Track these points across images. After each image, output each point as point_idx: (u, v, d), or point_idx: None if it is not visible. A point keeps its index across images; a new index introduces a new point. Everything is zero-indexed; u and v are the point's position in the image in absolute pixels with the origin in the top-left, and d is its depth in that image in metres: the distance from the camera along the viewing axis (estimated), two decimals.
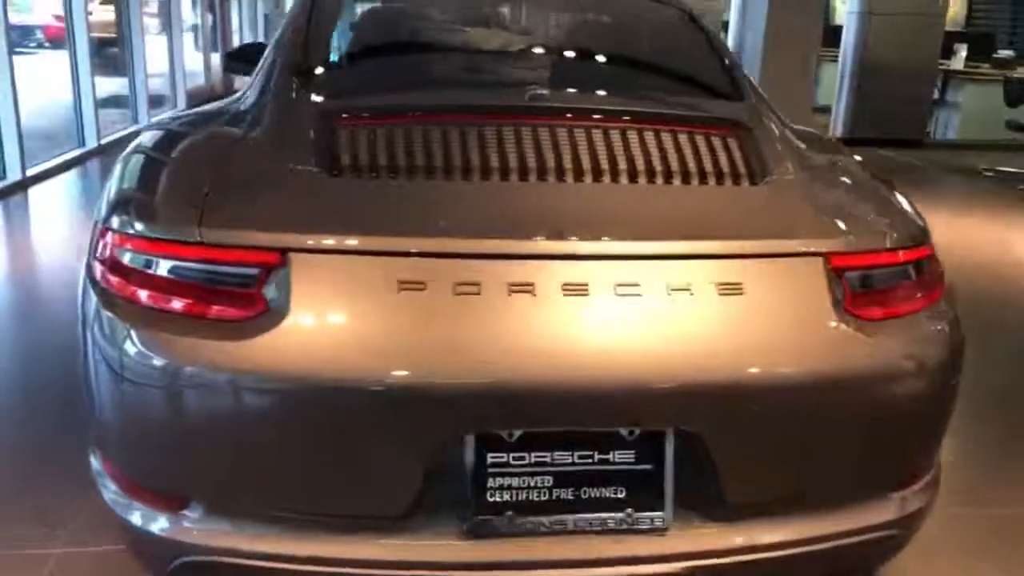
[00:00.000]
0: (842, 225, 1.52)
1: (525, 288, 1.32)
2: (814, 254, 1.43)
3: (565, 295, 1.33)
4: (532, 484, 1.36)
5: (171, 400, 1.36)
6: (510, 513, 1.36)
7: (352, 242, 1.36)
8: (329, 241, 1.36)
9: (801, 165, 1.70)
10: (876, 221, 1.57)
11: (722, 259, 1.39)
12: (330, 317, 1.32)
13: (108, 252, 1.45)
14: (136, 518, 1.44)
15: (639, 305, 1.34)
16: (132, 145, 1.82)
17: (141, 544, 1.49)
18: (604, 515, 1.37)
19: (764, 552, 1.41)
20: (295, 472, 1.34)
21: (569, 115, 1.66)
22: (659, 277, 1.36)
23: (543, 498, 1.36)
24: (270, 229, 1.37)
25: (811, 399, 1.38)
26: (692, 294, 1.35)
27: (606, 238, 1.39)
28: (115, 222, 1.46)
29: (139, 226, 1.42)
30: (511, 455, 1.35)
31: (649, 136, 1.61)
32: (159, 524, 1.42)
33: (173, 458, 1.39)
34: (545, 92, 1.82)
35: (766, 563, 1.42)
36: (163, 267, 1.39)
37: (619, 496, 1.38)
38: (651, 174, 1.54)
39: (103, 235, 1.49)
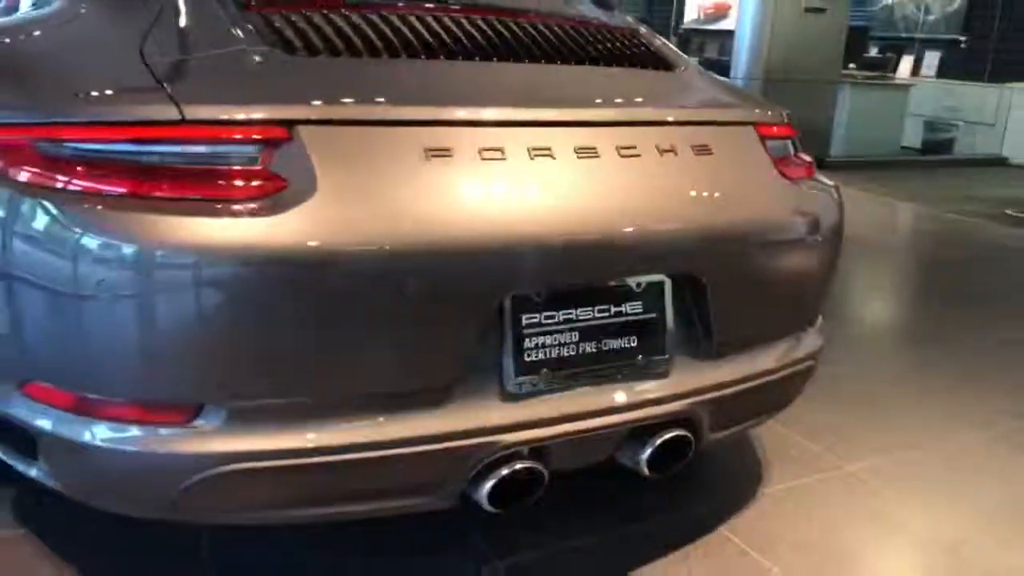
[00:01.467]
0: (751, 103, 1.79)
1: (544, 152, 1.38)
2: (750, 123, 1.66)
3: (578, 157, 1.40)
4: (562, 341, 1.41)
5: (187, 298, 1.20)
6: (546, 371, 1.40)
7: (374, 112, 1.31)
8: (345, 112, 1.30)
9: (690, 63, 1.94)
10: (765, 105, 1.84)
11: (696, 125, 1.57)
12: (362, 187, 1.26)
13: (72, 150, 1.25)
14: (130, 443, 1.25)
15: (636, 165, 1.46)
16: None
17: (137, 474, 1.28)
18: (621, 363, 1.47)
19: (744, 383, 1.60)
20: (334, 353, 1.26)
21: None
22: (650, 140, 1.49)
23: (572, 353, 1.42)
24: (271, 102, 1.28)
25: (771, 243, 1.59)
26: (676, 155, 1.51)
27: (607, 108, 1.51)
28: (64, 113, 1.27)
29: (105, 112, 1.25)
30: (542, 315, 1.39)
31: (575, 28, 1.75)
32: (167, 441, 1.25)
33: (188, 362, 1.23)
34: None
35: (746, 393, 1.61)
36: (151, 152, 1.23)
37: (632, 345, 1.48)
38: (600, 59, 1.68)
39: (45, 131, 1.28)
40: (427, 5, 1.65)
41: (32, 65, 1.49)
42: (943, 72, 9.41)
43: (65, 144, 1.28)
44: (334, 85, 1.36)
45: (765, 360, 1.65)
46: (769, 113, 1.74)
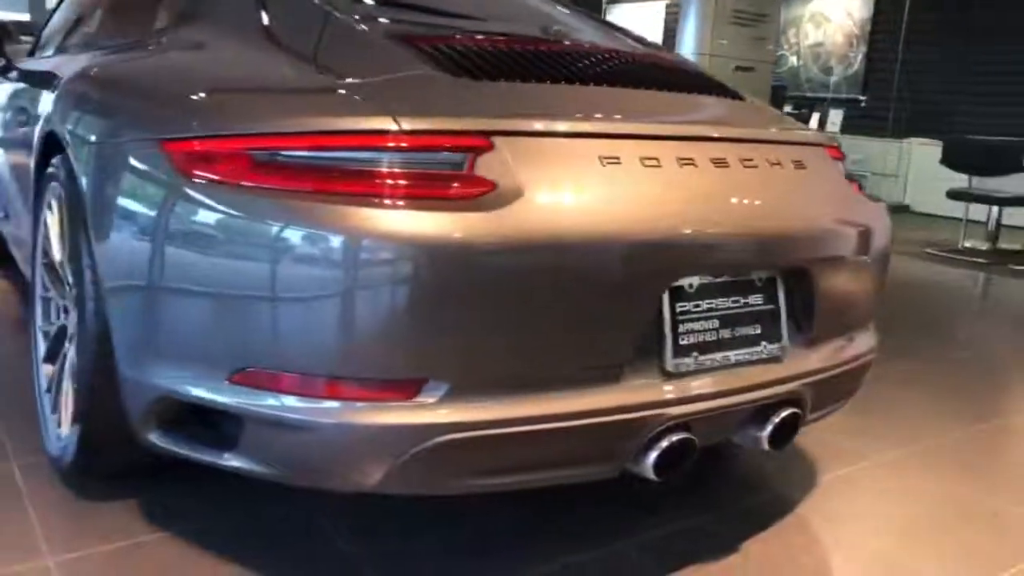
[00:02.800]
0: (813, 128, 2.08)
1: (689, 161, 1.60)
2: (823, 145, 1.94)
3: (715, 167, 1.63)
4: (707, 327, 1.61)
5: (416, 285, 1.34)
6: (695, 353, 1.59)
7: (557, 125, 1.50)
8: (534, 125, 1.48)
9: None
10: (815, 130, 2.13)
11: (791, 144, 1.82)
12: (556, 189, 1.44)
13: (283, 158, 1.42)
14: (354, 420, 1.37)
15: (756, 176, 1.69)
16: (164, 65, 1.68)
17: (355, 449, 1.39)
18: (749, 349, 1.68)
19: (836, 369, 1.83)
20: (536, 333, 1.42)
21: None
22: (763, 155, 1.73)
23: (713, 338, 1.62)
24: (470, 116, 1.45)
25: (857, 246, 1.85)
26: (782, 168, 1.75)
27: (732, 127, 1.75)
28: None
29: (325, 124, 1.41)
30: (692, 303, 1.59)
31: (678, 67, 2.03)
32: (391, 415, 1.37)
33: (418, 342, 1.36)
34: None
35: (836, 379, 1.84)
36: (371, 159, 1.39)
37: (756, 332, 1.69)
38: (703, 90, 1.95)
39: (260, 142, 1.43)
40: (565, 43, 1.89)
41: (234, 85, 1.63)
42: (846, 128, 10.28)
43: (282, 152, 1.41)
44: (516, 103, 1.55)
45: (848, 350, 1.89)
46: (831, 139, 2.02)
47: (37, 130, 2.15)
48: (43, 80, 2.42)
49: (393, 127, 1.40)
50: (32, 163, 2.23)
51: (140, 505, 1.81)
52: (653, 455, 1.54)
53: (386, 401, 1.38)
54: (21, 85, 2.82)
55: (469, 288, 1.36)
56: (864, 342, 1.98)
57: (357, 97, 1.48)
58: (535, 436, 1.44)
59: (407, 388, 1.38)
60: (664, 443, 1.55)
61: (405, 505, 1.87)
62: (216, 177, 1.45)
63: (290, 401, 1.40)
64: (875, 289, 2.01)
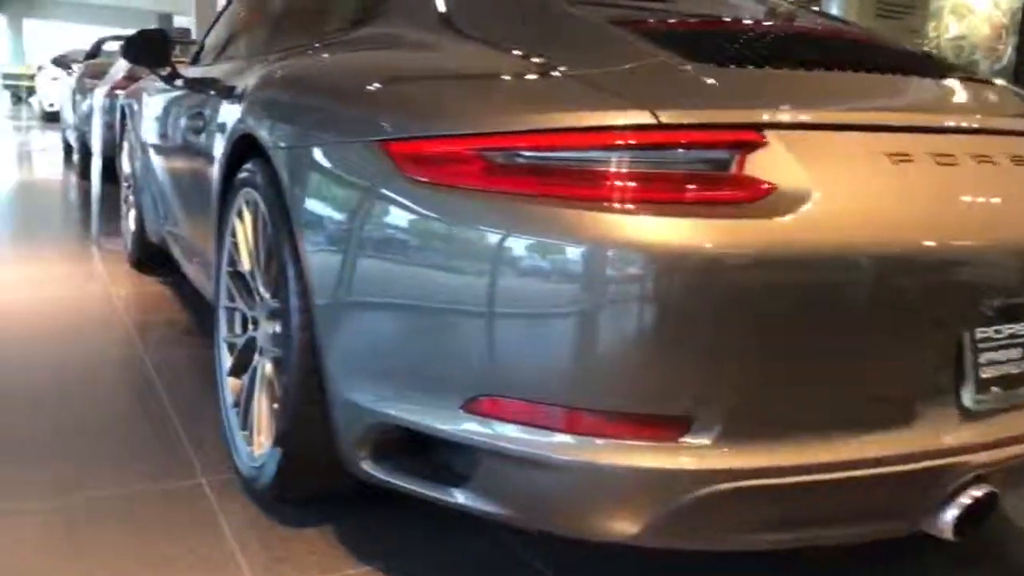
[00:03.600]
0: None
1: (986, 159, 1.35)
2: None
3: (1015, 165, 1.38)
4: (1010, 357, 1.36)
5: (682, 304, 1.16)
6: (997, 388, 1.34)
7: (840, 117, 1.29)
8: (812, 117, 1.28)
9: None
10: None
11: None
12: (847, 191, 1.23)
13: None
14: (607, 460, 1.19)
15: None
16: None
17: (607, 494, 1.22)
18: None
19: None
20: (825, 364, 1.21)
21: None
22: None
23: (1017, 371, 1.37)
24: (735, 107, 1.26)
25: None
26: None
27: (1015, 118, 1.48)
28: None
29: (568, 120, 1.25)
30: (992, 328, 1.34)
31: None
32: (650, 457, 1.19)
33: (686, 372, 1.17)
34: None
35: None
36: (627, 159, 1.21)
37: None
38: (953, 75, 1.66)
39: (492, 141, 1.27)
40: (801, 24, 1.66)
41: (455, 81, 1.49)
42: None
43: (523, 153, 1.26)
44: (781, 91, 1.34)
45: None
46: None
47: (224, 136, 2.08)
48: (221, 86, 2.37)
49: (650, 121, 1.22)
50: (216, 169, 2.16)
51: (339, 533, 1.69)
52: (954, 511, 1.30)
53: (649, 440, 1.20)
54: (192, 92, 2.80)
55: (747, 310, 1.17)
56: None
57: (601, 89, 1.31)
58: (819, 487, 1.23)
59: (674, 426, 1.20)
60: (966, 497, 1.30)
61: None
62: (446, 181, 1.31)
63: (538, 436, 1.23)
64: None
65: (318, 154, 1.55)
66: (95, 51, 7.99)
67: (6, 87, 21.32)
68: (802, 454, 1.21)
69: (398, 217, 1.36)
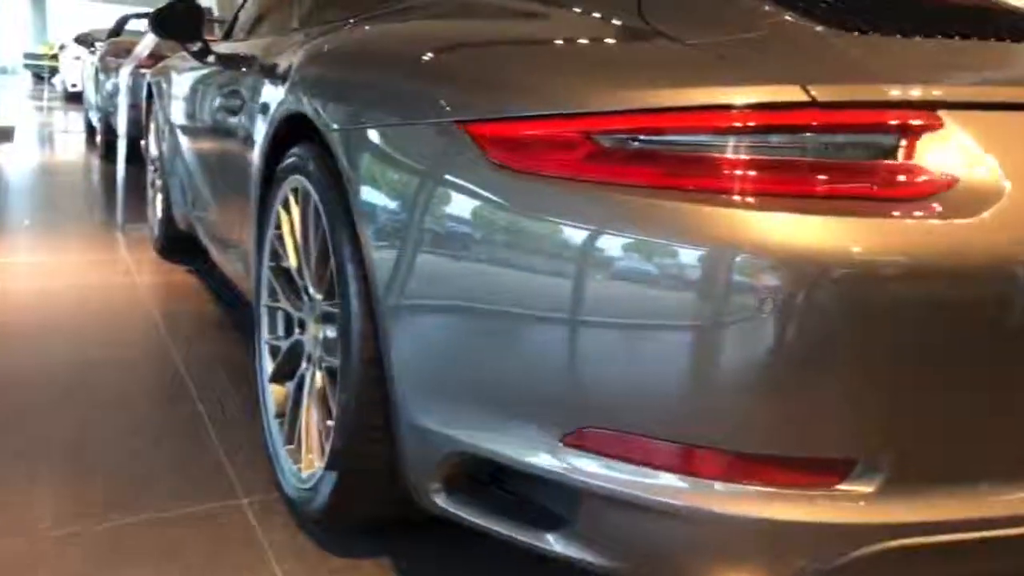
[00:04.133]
0: None
1: None
2: None
3: None
4: None
5: (843, 324, 0.94)
6: None
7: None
8: (1001, 95, 1.06)
9: None
10: None
11: None
12: None
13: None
14: (748, 505, 0.98)
15: None
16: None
17: (742, 547, 1.01)
18: None
19: None
20: (1018, 396, 0.99)
21: None
22: None
23: None
24: (912, 81, 1.03)
25: None
26: None
27: None
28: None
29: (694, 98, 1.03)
30: None
31: None
32: (806, 507, 0.98)
33: (844, 405, 0.96)
34: None
35: None
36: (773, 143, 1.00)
37: None
38: None
39: (600, 122, 1.06)
40: None
41: (551, 52, 1.27)
42: None
43: (641, 136, 1.04)
44: (951, 65, 1.12)
45: None
46: None
47: (266, 117, 1.88)
48: (261, 62, 2.16)
49: (803, 98, 1.00)
50: (256, 154, 1.96)
51: (399, 566, 1.49)
52: None
53: (797, 488, 0.99)
54: (226, 69, 2.59)
55: (924, 329, 0.95)
56: None
57: (735, 61, 1.09)
58: (997, 544, 1.01)
59: (829, 471, 0.98)
60: None
61: None
62: (543, 170, 1.10)
63: (656, 478, 1.03)
64: None
65: (385, 136, 1.34)
66: (119, 29, 7.80)
67: (27, 67, 21.23)
68: (985, 504, 1.00)
69: (482, 211, 1.15)
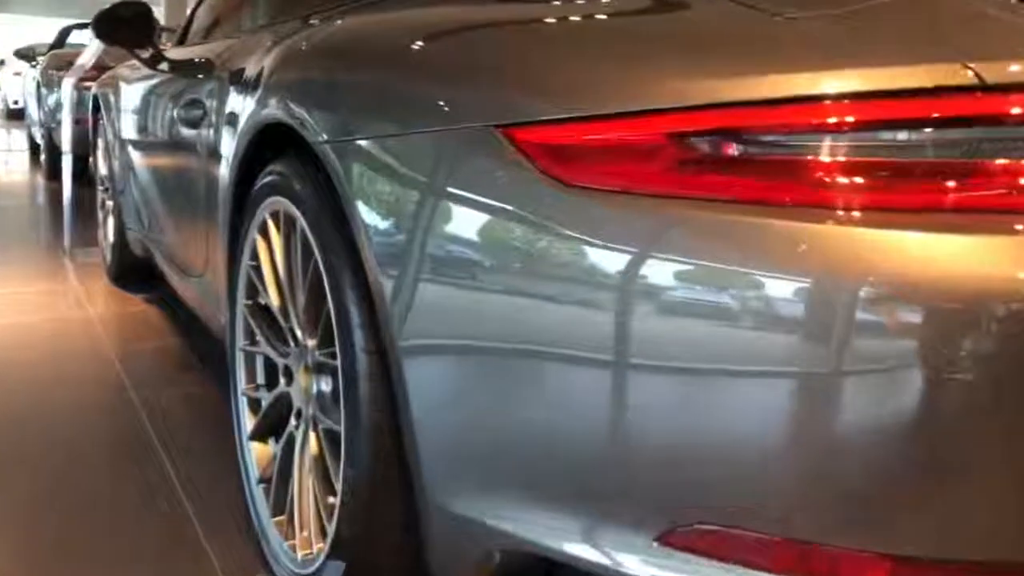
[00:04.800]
0: None
1: None
2: None
3: None
4: None
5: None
6: None
7: None
8: None
9: None
10: None
11: None
12: None
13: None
14: None
15: None
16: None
17: None
18: None
19: None
20: None
21: None
22: None
23: None
24: None
25: None
26: None
27: None
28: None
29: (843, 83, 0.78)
30: None
31: None
32: None
33: None
34: None
35: None
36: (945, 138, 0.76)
37: None
38: None
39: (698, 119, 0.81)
40: None
41: (620, 34, 1.01)
42: None
43: (761, 136, 0.80)
44: None
45: None
46: None
47: (236, 129, 1.60)
48: (226, 66, 1.88)
49: (971, 81, 0.76)
50: (224, 171, 1.68)
51: None
52: None
53: None
54: (183, 76, 2.30)
55: None
56: None
57: (867, 36, 0.85)
58: None
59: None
60: None
61: None
62: (616, 184, 0.85)
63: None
64: None
65: (396, 147, 1.07)
66: (60, 40, 7.38)
67: None
68: None
69: (532, 235, 0.89)
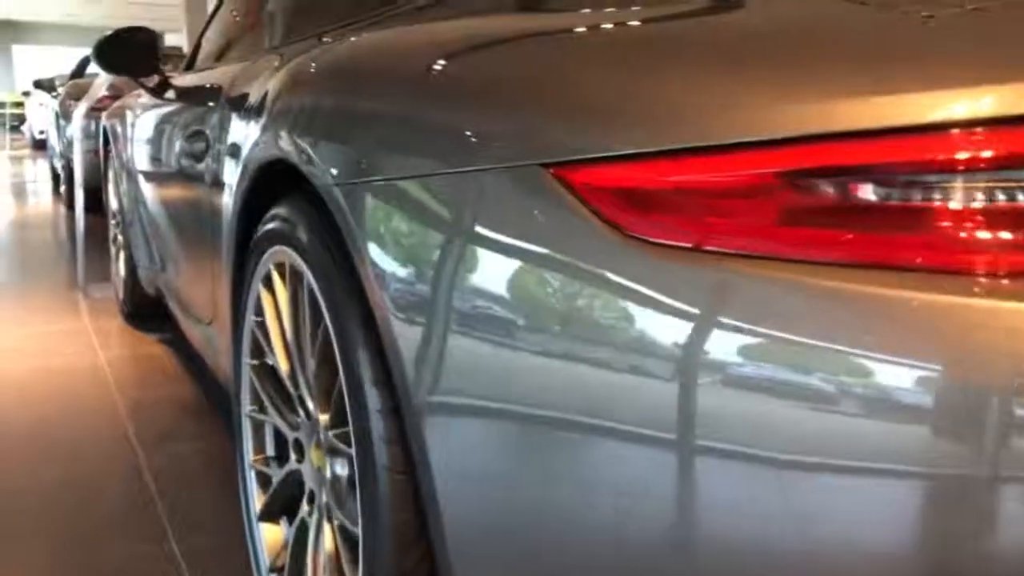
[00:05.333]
0: None
1: None
2: None
3: None
4: None
5: None
6: None
7: None
8: None
9: None
10: None
11: None
12: None
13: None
14: None
15: None
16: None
17: None
18: None
19: None
20: None
21: None
22: None
23: None
24: None
25: None
26: None
27: None
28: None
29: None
30: None
31: None
32: None
33: None
34: None
35: None
36: None
37: None
38: None
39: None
40: None
41: (701, 50, 0.79)
42: None
43: (882, 175, 0.60)
44: None
45: None
46: None
47: (239, 163, 1.42)
48: (229, 92, 1.71)
49: None
50: (228, 209, 1.50)
51: None
52: None
53: None
54: (188, 105, 2.14)
55: None
56: None
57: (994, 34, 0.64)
58: None
59: None
60: None
61: None
62: (699, 240, 0.64)
63: None
64: None
65: (418, 190, 0.87)
66: (80, 70, 7.34)
67: None
68: None
69: (596, 300, 0.69)
